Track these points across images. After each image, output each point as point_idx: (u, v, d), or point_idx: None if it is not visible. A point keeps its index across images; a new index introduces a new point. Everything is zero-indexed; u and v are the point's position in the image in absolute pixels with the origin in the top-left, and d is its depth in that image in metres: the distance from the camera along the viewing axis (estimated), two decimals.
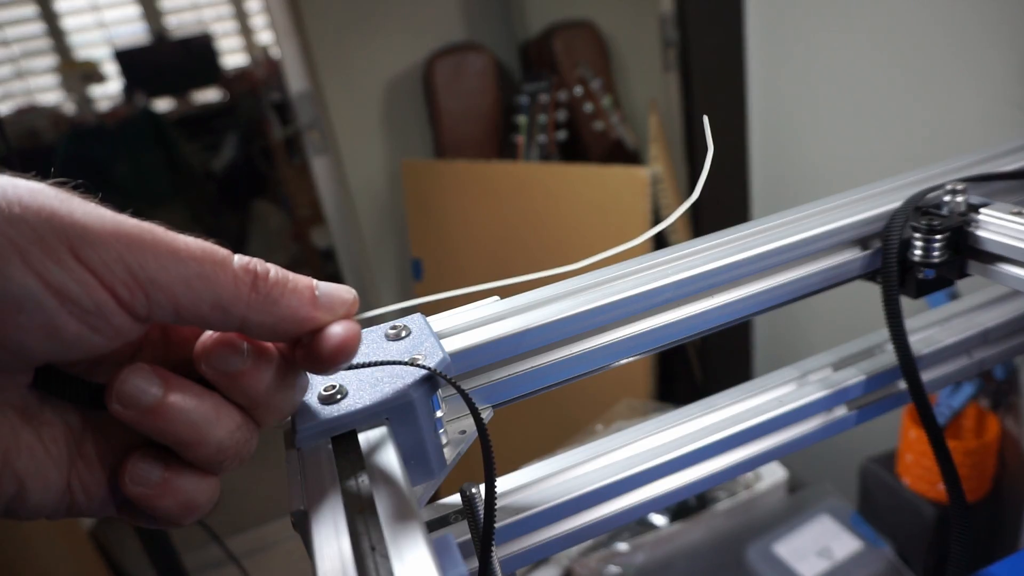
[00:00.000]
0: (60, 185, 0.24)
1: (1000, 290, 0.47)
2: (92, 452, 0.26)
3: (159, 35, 3.10)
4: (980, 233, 0.39)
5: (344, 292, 0.28)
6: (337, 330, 0.26)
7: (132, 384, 0.24)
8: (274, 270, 0.26)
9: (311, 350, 0.26)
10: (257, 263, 0.26)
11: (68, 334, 0.22)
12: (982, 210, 0.39)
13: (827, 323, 1.29)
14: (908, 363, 0.40)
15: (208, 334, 0.27)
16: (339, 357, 0.26)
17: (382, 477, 0.27)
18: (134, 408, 0.24)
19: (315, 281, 0.27)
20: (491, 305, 0.37)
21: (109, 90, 2.98)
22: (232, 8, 3.24)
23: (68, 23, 2.96)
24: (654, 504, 0.39)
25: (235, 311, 0.25)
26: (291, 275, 0.27)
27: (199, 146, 3.05)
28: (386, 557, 0.23)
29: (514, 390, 0.36)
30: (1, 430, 0.23)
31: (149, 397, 0.24)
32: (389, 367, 0.30)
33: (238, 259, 0.25)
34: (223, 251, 0.25)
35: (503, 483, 0.38)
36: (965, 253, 0.40)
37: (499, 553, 0.36)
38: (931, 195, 0.41)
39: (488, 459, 0.29)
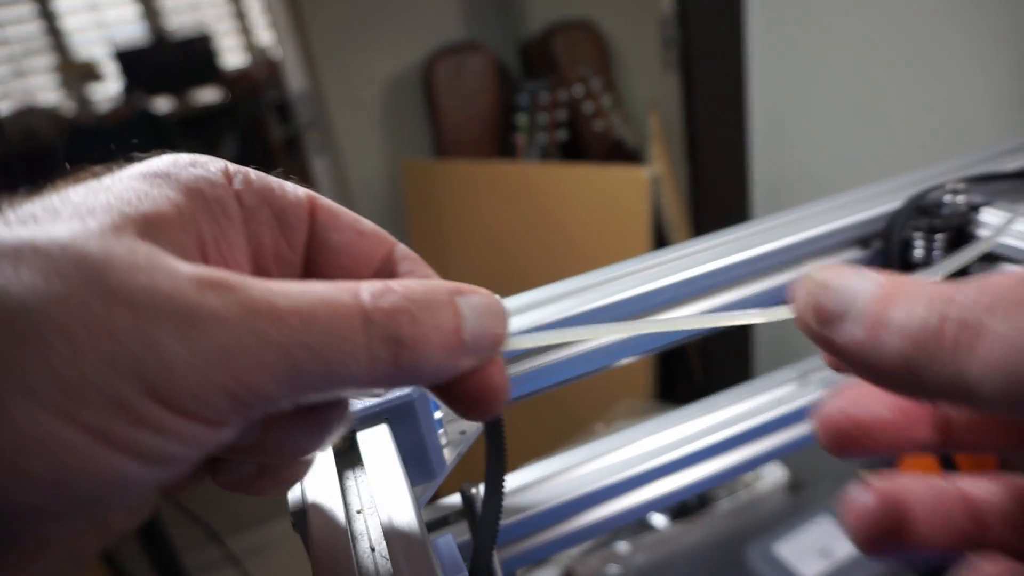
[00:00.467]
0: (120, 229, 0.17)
1: None
2: None
3: (159, 35, 3.10)
4: (981, 233, 0.39)
5: (495, 323, 0.21)
6: (496, 378, 0.21)
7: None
8: (421, 312, 0.19)
9: (457, 398, 0.21)
10: (400, 316, 0.19)
11: (168, 478, 0.18)
12: (983, 210, 0.39)
13: None
14: None
15: None
16: (496, 408, 0.21)
17: (382, 477, 0.27)
18: (231, 451, 0.21)
19: (460, 304, 0.20)
20: None
21: (109, 90, 2.98)
22: (232, 8, 3.24)
23: (67, 23, 2.95)
24: (654, 504, 0.39)
25: (371, 390, 0.20)
26: (430, 304, 0.20)
27: (199, 146, 3.04)
28: (386, 557, 0.23)
29: (514, 390, 0.36)
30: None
31: (246, 442, 0.21)
32: None
33: (372, 311, 0.19)
34: (345, 308, 0.18)
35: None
36: None
37: (499, 553, 0.36)
38: (932, 195, 0.41)
39: (500, 458, 0.27)
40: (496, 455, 0.27)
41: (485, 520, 0.28)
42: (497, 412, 0.22)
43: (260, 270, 0.22)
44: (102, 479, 0.16)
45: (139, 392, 0.16)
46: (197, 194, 0.20)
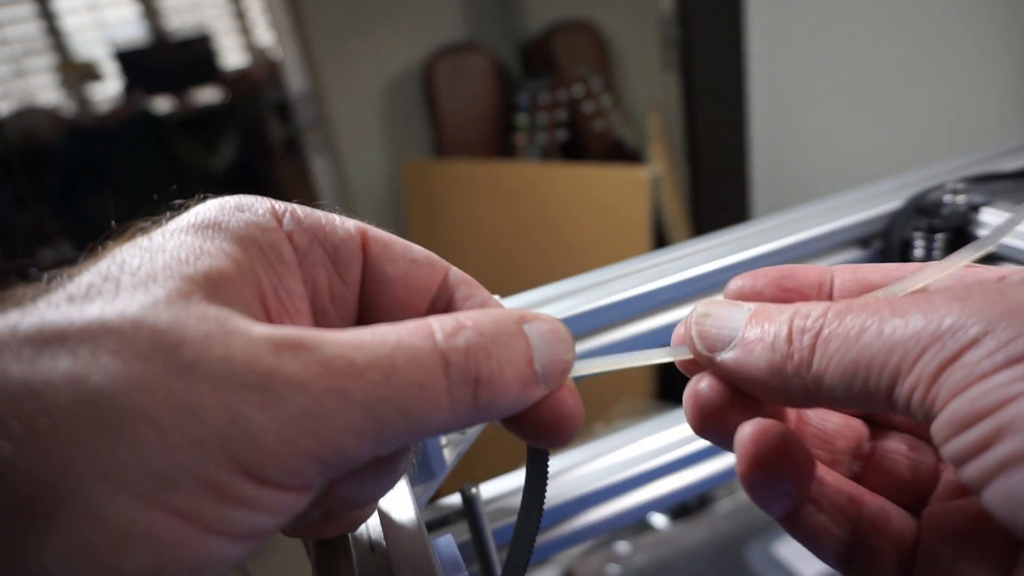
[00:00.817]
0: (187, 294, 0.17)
1: None
2: None
3: (159, 35, 3.10)
4: (981, 233, 0.39)
5: (564, 350, 0.21)
6: (570, 403, 0.20)
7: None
8: (494, 347, 0.19)
9: (529, 427, 0.21)
10: (475, 352, 0.19)
11: (260, 545, 0.17)
12: (983, 210, 0.39)
13: None
14: None
15: None
16: (568, 435, 0.21)
17: None
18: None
19: (530, 334, 0.20)
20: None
21: (109, 90, 2.98)
22: (232, 8, 3.24)
23: (67, 23, 2.95)
24: (654, 504, 0.39)
25: (443, 432, 0.19)
26: (502, 337, 0.19)
27: (199, 146, 3.05)
28: (386, 557, 0.23)
29: None
30: None
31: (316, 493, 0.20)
32: None
33: (449, 352, 0.18)
34: (423, 352, 0.18)
35: (503, 483, 0.38)
36: None
37: (499, 553, 0.36)
38: (932, 195, 0.41)
39: (539, 491, 0.24)
40: (536, 485, 0.24)
41: (514, 557, 0.25)
42: (569, 438, 0.21)
43: (319, 312, 0.22)
44: (197, 564, 0.15)
45: (229, 471, 0.15)
46: (251, 243, 0.20)
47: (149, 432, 0.15)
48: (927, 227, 0.39)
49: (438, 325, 0.19)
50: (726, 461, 0.40)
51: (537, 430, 0.21)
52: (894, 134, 1.08)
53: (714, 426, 0.21)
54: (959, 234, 0.40)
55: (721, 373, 0.20)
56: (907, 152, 1.06)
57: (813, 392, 0.18)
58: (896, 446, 0.22)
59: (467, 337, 0.19)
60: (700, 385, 0.21)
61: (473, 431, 0.34)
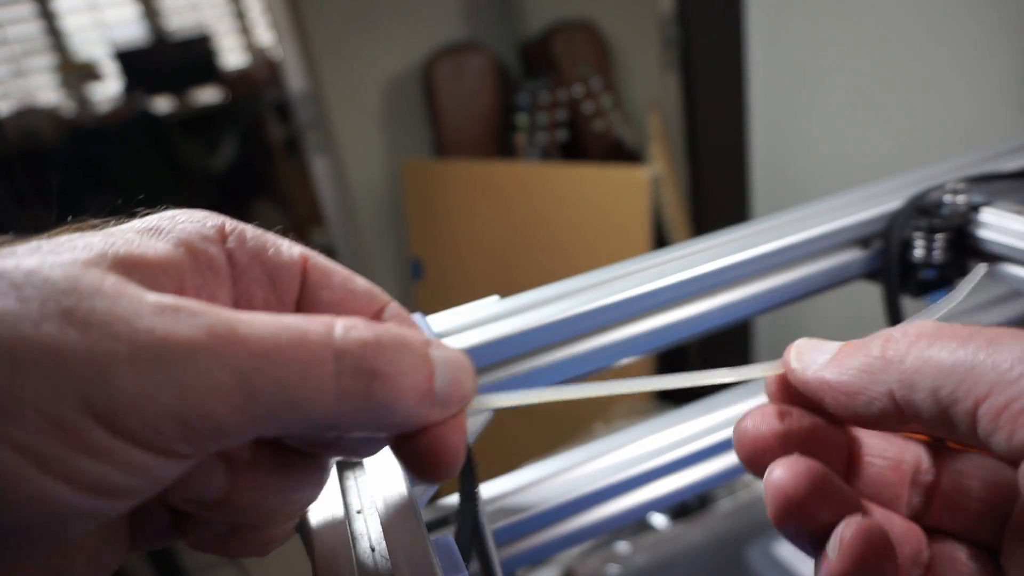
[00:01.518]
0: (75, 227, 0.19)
1: (1002, 290, 0.47)
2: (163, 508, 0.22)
3: (159, 35, 3.10)
4: (981, 233, 0.39)
5: (465, 378, 0.21)
6: (452, 440, 0.20)
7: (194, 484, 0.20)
8: (394, 353, 0.19)
9: (414, 456, 0.21)
10: (371, 350, 0.18)
11: (115, 511, 0.17)
12: (983, 210, 0.39)
13: (827, 323, 1.29)
14: None
15: None
16: (449, 473, 0.21)
17: (382, 477, 0.27)
18: (197, 504, 0.20)
19: (434, 355, 0.20)
20: (491, 305, 0.36)
21: (109, 90, 2.98)
22: (232, 8, 3.24)
23: (67, 23, 2.95)
24: (654, 504, 0.39)
25: (336, 430, 0.19)
26: (404, 347, 0.19)
27: (199, 146, 3.05)
28: (386, 557, 0.23)
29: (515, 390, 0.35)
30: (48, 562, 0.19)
31: (212, 492, 0.20)
32: None
33: (343, 347, 0.18)
34: (315, 336, 0.18)
35: (503, 483, 0.38)
36: (966, 253, 0.40)
37: (500, 553, 0.36)
38: (932, 195, 0.41)
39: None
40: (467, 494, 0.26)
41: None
42: (450, 476, 0.21)
43: None
44: (37, 505, 0.15)
45: (81, 413, 0.15)
46: (185, 246, 0.20)
47: (4, 364, 0.15)
48: (927, 227, 0.39)
49: (341, 322, 0.19)
50: (726, 461, 0.40)
51: (421, 460, 0.20)
52: (894, 134, 1.08)
53: (752, 467, 0.22)
54: (959, 234, 0.40)
55: (812, 384, 0.21)
56: (907, 152, 1.06)
57: (900, 397, 0.19)
58: (964, 467, 0.22)
59: (366, 335, 0.19)
60: (747, 423, 0.22)
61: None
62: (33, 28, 2.91)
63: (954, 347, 0.18)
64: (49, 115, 2.80)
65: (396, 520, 0.24)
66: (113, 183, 2.69)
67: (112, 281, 0.17)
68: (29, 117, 2.70)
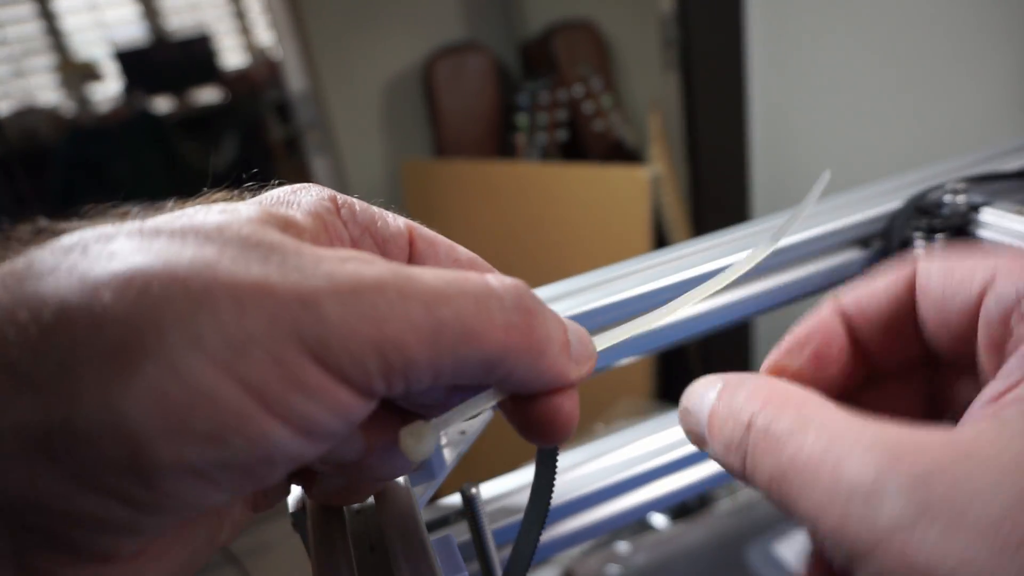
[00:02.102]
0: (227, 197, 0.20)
1: None
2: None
3: (159, 35, 3.10)
4: (981, 233, 0.39)
5: (588, 340, 0.22)
6: (570, 401, 0.21)
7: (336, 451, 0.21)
8: (537, 299, 0.20)
9: (534, 418, 0.21)
10: (523, 290, 0.20)
11: (310, 457, 0.18)
12: (983, 210, 0.39)
13: None
14: None
15: None
16: (565, 434, 0.22)
17: None
18: (334, 465, 0.22)
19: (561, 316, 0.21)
20: None
21: (109, 90, 2.98)
22: (232, 8, 3.24)
23: (67, 23, 2.95)
24: (654, 504, 0.39)
25: (502, 368, 0.19)
26: (546, 307, 0.21)
27: (199, 146, 3.05)
28: (386, 557, 0.23)
29: None
30: (213, 517, 0.21)
31: (351, 455, 0.21)
32: None
33: (502, 290, 0.19)
34: (475, 278, 0.19)
35: (503, 483, 0.38)
36: None
37: (499, 553, 0.36)
38: (932, 195, 0.41)
39: (547, 490, 0.26)
40: (544, 486, 0.25)
41: (518, 552, 0.26)
42: (564, 438, 0.22)
43: None
44: (254, 443, 0.16)
45: (297, 349, 0.16)
46: (318, 216, 0.21)
47: (228, 303, 0.16)
48: (927, 227, 0.39)
49: (490, 275, 0.20)
50: None
51: (539, 422, 0.21)
52: (894, 134, 1.08)
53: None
54: (959, 234, 0.40)
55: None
56: (907, 152, 1.06)
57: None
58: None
59: (515, 281, 0.20)
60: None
61: (473, 431, 0.34)
62: (33, 28, 2.91)
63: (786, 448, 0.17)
64: (49, 115, 2.80)
65: (396, 520, 0.24)
66: (113, 183, 2.69)
67: (288, 240, 0.18)
68: (29, 117, 2.70)
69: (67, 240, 0.17)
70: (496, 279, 0.19)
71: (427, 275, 0.18)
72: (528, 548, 0.25)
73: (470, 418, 0.21)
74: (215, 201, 0.21)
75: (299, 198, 0.22)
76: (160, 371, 0.15)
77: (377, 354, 0.17)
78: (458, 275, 0.19)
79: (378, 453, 0.21)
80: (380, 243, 0.23)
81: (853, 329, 0.23)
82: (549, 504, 0.25)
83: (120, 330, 0.15)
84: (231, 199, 0.22)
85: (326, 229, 0.21)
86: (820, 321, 0.23)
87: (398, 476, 0.23)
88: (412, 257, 0.24)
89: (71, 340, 0.15)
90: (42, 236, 0.18)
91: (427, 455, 0.19)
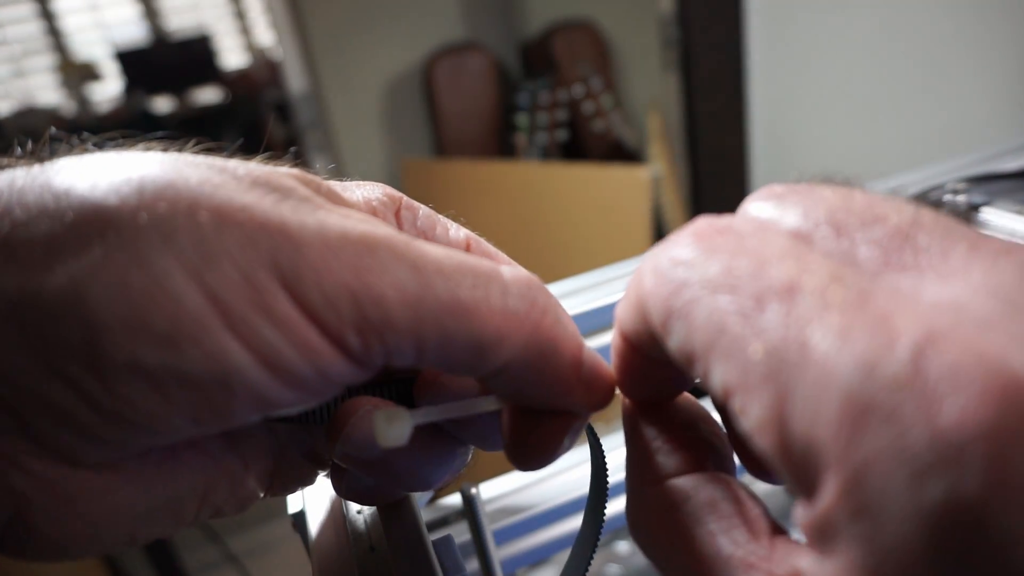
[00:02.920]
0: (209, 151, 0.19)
1: None
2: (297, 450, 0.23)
3: (159, 35, 3.10)
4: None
5: (608, 374, 0.21)
6: (565, 427, 0.20)
7: (360, 436, 0.19)
8: (554, 303, 0.19)
9: (530, 433, 0.20)
10: (536, 284, 0.19)
11: (277, 404, 0.17)
12: (983, 210, 0.39)
13: None
14: None
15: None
16: (538, 464, 0.20)
17: None
18: (358, 460, 0.20)
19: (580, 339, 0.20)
20: None
21: (109, 90, 2.98)
22: (232, 8, 3.24)
23: (67, 23, 2.95)
24: None
25: (495, 359, 0.18)
26: (563, 312, 0.20)
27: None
28: (386, 557, 0.23)
29: None
30: (204, 466, 0.20)
31: (376, 452, 0.20)
32: None
33: (510, 274, 0.18)
34: (486, 263, 0.18)
35: (503, 483, 0.38)
36: None
37: (499, 553, 0.36)
38: (932, 195, 0.41)
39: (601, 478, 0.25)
40: (598, 473, 0.24)
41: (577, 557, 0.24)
42: (539, 466, 0.21)
43: None
44: (211, 357, 0.16)
45: (270, 275, 0.16)
46: (368, 204, 0.21)
47: (210, 215, 0.16)
48: None
49: (506, 266, 0.19)
50: None
51: (526, 440, 0.20)
52: (894, 134, 1.08)
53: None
54: None
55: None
56: (907, 152, 1.06)
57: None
58: None
59: (532, 277, 0.19)
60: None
61: None
62: (33, 28, 2.91)
63: None
64: (49, 115, 2.80)
65: (396, 520, 0.24)
66: None
67: (304, 189, 0.18)
68: (29, 117, 2.70)
69: (95, 153, 0.18)
70: (509, 269, 0.19)
71: (431, 247, 0.18)
72: (592, 539, 0.25)
73: (459, 418, 0.20)
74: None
75: (359, 188, 0.22)
76: (127, 262, 0.15)
77: (352, 301, 0.16)
78: (467, 256, 0.18)
79: (403, 460, 0.21)
80: None
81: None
82: (607, 491, 0.24)
83: (103, 220, 0.16)
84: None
85: (375, 216, 0.21)
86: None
87: (427, 489, 0.23)
88: None
89: (61, 223, 0.16)
90: (78, 149, 0.19)
91: (398, 443, 0.18)
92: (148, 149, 0.19)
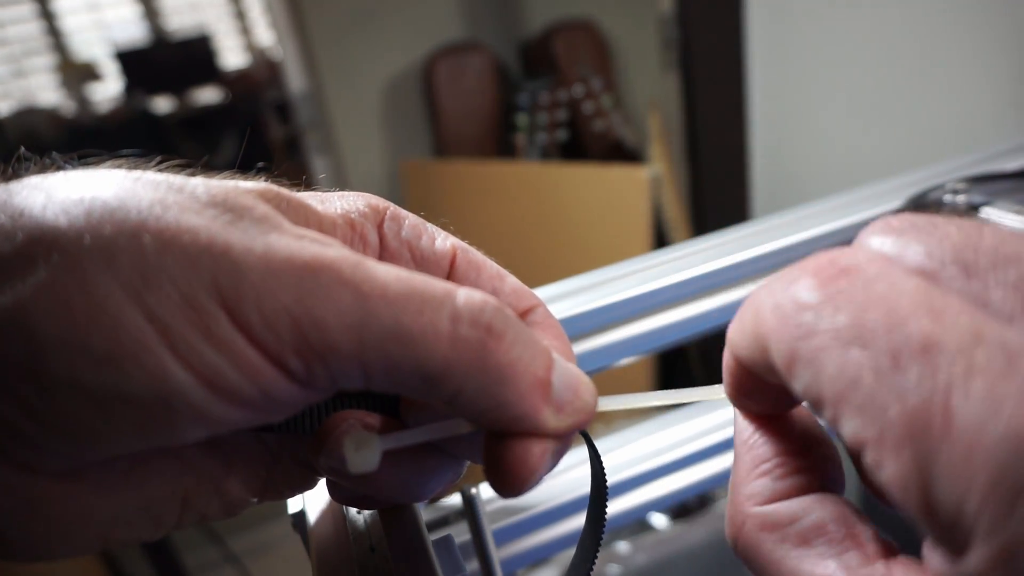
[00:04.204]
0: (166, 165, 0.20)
1: None
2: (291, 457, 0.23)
3: (159, 35, 3.10)
4: None
5: (585, 392, 0.20)
6: (536, 451, 0.19)
7: (340, 454, 0.19)
8: (514, 323, 0.19)
9: (499, 457, 0.19)
10: (491, 309, 0.18)
11: (224, 422, 0.17)
12: (983, 210, 0.39)
13: None
14: None
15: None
16: (517, 491, 0.20)
17: None
18: (344, 474, 0.20)
19: (556, 358, 0.20)
20: None
21: (109, 90, 2.98)
22: (232, 8, 3.24)
23: (67, 23, 2.95)
24: (654, 504, 0.39)
25: (445, 386, 0.18)
26: (523, 328, 0.19)
27: (199, 146, 3.05)
28: (386, 557, 0.23)
29: None
30: (179, 473, 0.20)
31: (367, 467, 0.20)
32: None
33: (464, 303, 0.18)
34: (439, 287, 0.18)
35: None
36: None
37: (499, 553, 0.36)
38: (932, 195, 0.41)
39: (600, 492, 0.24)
40: (597, 480, 0.23)
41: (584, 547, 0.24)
42: (518, 492, 0.20)
43: None
44: (151, 377, 0.16)
45: (210, 298, 0.16)
46: (344, 216, 0.21)
47: (154, 238, 0.16)
48: None
49: (466, 288, 0.19)
50: (726, 461, 0.40)
51: (499, 466, 0.19)
52: (894, 134, 1.08)
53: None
54: None
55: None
56: (907, 152, 1.06)
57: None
58: None
59: (489, 299, 0.19)
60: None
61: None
62: (33, 28, 2.91)
63: None
64: (49, 115, 2.80)
65: (396, 520, 0.24)
66: None
67: (263, 208, 0.18)
68: (29, 117, 2.70)
69: (61, 172, 0.18)
70: (465, 292, 0.18)
71: (380, 269, 0.18)
72: (594, 539, 0.24)
73: (426, 442, 0.20)
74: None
75: (340, 199, 0.22)
76: (69, 282, 0.16)
77: (292, 325, 0.16)
78: (418, 278, 0.18)
79: (393, 473, 0.21)
80: (419, 260, 0.23)
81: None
82: (606, 496, 0.24)
83: (49, 241, 0.16)
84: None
85: (352, 229, 0.21)
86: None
87: (420, 500, 0.23)
88: (450, 279, 0.23)
89: (12, 244, 0.16)
90: (49, 168, 0.19)
91: (367, 469, 0.18)
92: (116, 167, 0.19)
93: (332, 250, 0.18)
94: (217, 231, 0.17)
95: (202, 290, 0.16)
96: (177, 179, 0.18)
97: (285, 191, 0.20)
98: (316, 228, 0.20)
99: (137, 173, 0.18)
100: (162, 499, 0.20)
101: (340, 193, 0.23)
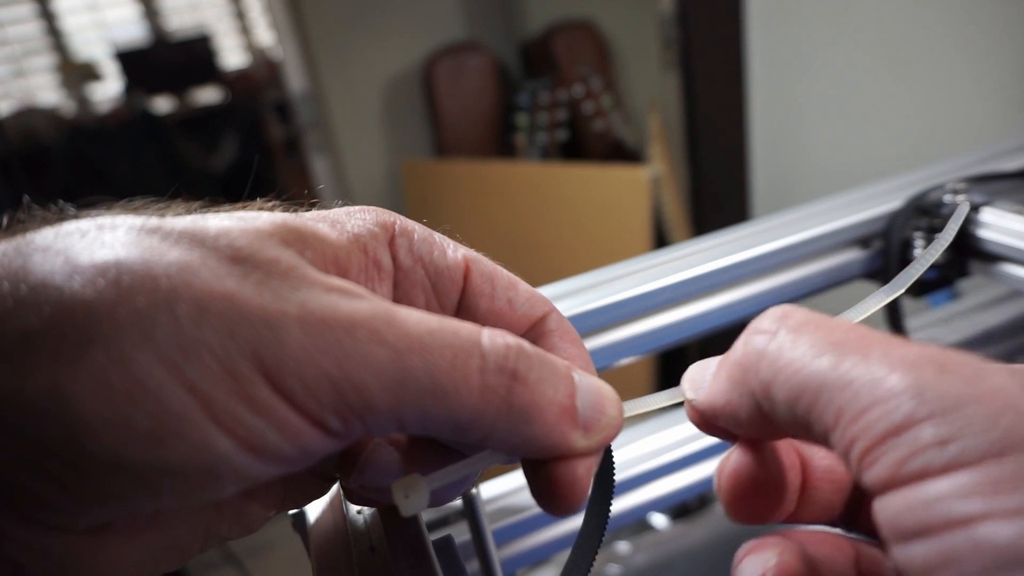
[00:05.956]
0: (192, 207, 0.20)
1: (1001, 290, 0.47)
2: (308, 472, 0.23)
3: (159, 35, 3.10)
4: (981, 233, 0.39)
5: (609, 406, 0.20)
6: (579, 472, 0.20)
7: (371, 472, 0.21)
8: (536, 361, 0.19)
9: (544, 482, 0.20)
10: (514, 354, 0.19)
11: (261, 478, 0.18)
12: (983, 210, 0.39)
13: None
14: None
15: None
16: (573, 508, 0.20)
17: None
18: (372, 488, 0.21)
19: (574, 375, 0.20)
20: None
21: (109, 90, 2.98)
22: (232, 8, 3.24)
23: (67, 23, 2.95)
24: (654, 504, 0.39)
25: (475, 432, 0.18)
26: (545, 359, 0.19)
27: (199, 146, 3.05)
28: (386, 557, 0.23)
29: None
30: (202, 509, 0.20)
31: (388, 482, 0.20)
32: None
33: (489, 349, 0.18)
34: (465, 333, 0.18)
35: (503, 483, 0.38)
36: (966, 253, 0.40)
37: (499, 553, 0.36)
38: (932, 195, 0.41)
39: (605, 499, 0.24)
40: (602, 495, 0.24)
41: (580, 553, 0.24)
42: (572, 510, 0.20)
43: None
44: (195, 450, 0.16)
45: (250, 365, 0.16)
46: (357, 242, 0.21)
47: (189, 307, 0.16)
48: (927, 227, 0.39)
49: (489, 329, 0.19)
50: None
51: (547, 490, 0.20)
52: (894, 134, 1.08)
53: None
54: (959, 234, 0.39)
55: (705, 411, 0.20)
56: (907, 152, 1.06)
57: (762, 404, 0.17)
58: None
59: (510, 341, 0.19)
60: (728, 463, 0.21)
61: None
62: (33, 28, 2.91)
63: (812, 354, 0.16)
64: (49, 115, 2.80)
65: (396, 520, 0.24)
66: (113, 183, 2.69)
67: (288, 256, 0.18)
68: (29, 117, 2.70)
69: (71, 224, 0.17)
70: (490, 336, 0.19)
71: (412, 319, 0.18)
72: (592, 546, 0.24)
73: (449, 450, 0.21)
74: (256, 208, 0.21)
75: (348, 219, 0.22)
76: (108, 361, 0.15)
77: (333, 389, 0.17)
78: (447, 325, 0.18)
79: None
80: (432, 275, 0.23)
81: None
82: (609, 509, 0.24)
83: (81, 315, 0.15)
84: (275, 208, 0.22)
85: (364, 252, 0.21)
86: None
87: (438, 505, 0.24)
88: (465, 291, 0.23)
89: (39, 317, 0.15)
90: (55, 217, 0.19)
91: (419, 511, 0.18)
92: (130, 212, 0.19)
93: (365, 304, 0.18)
94: (249, 295, 0.17)
95: (241, 358, 0.16)
96: (196, 229, 0.18)
97: (300, 224, 0.20)
98: (333, 263, 0.20)
99: (153, 223, 0.18)
100: (187, 535, 0.20)
101: (347, 210, 0.22)
